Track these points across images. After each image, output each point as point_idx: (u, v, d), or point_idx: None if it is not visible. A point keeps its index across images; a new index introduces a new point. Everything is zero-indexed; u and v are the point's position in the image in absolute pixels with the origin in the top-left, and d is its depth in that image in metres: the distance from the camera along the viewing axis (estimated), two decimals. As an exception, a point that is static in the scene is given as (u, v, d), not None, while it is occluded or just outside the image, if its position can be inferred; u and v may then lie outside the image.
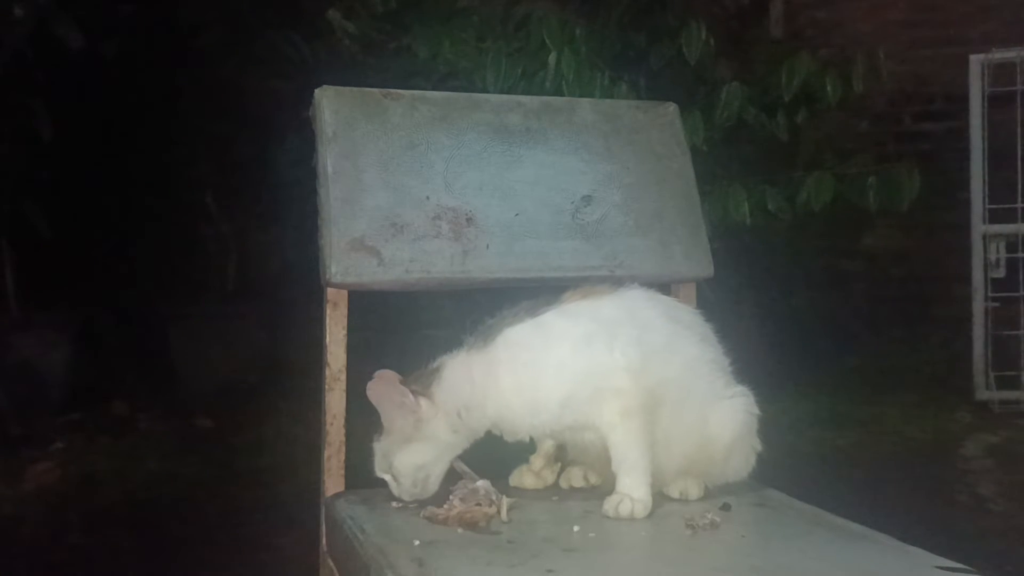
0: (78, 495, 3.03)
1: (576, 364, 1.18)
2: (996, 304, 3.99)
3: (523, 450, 1.30)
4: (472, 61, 2.89)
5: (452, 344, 1.24)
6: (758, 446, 1.28)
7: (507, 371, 1.19)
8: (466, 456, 1.24)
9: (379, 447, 1.22)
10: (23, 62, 3.64)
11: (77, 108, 3.95)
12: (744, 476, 1.29)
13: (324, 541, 1.31)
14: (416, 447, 1.20)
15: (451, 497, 1.17)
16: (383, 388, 1.19)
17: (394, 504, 1.22)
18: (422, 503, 1.19)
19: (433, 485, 1.21)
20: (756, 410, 1.27)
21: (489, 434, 1.23)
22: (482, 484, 1.18)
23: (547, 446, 1.30)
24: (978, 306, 4.00)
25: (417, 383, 1.20)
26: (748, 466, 1.28)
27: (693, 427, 1.22)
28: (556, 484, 1.31)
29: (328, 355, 1.34)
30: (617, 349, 1.18)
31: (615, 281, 1.29)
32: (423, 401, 1.19)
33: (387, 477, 1.22)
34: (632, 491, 1.16)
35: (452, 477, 1.22)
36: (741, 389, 1.27)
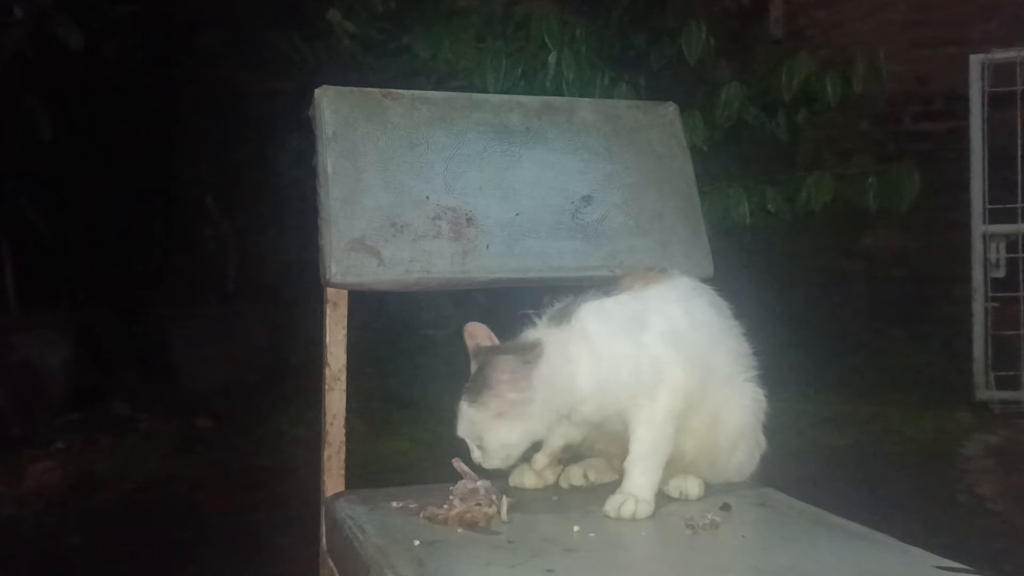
0: (78, 495, 3.03)
1: (650, 350, 1.18)
2: (996, 304, 3.99)
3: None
4: (472, 61, 2.89)
5: (519, 324, 1.23)
6: (763, 443, 1.28)
7: (596, 343, 1.18)
8: (465, 456, 1.24)
9: (469, 413, 1.19)
10: (23, 62, 3.64)
11: (77, 108, 3.95)
12: (746, 475, 1.29)
13: (324, 541, 1.31)
14: (508, 425, 1.18)
15: (451, 497, 1.17)
16: (501, 361, 1.16)
17: (394, 504, 1.22)
18: (422, 504, 1.19)
19: (515, 460, 1.22)
20: (765, 402, 1.27)
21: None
22: (482, 484, 1.18)
23: (555, 445, 1.30)
24: (978, 306, 4.00)
25: (523, 356, 1.17)
26: (752, 463, 1.29)
27: (709, 414, 1.23)
28: (556, 484, 1.31)
29: (328, 355, 1.34)
30: (683, 347, 1.19)
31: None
32: (528, 381, 1.16)
33: (470, 443, 1.20)
34: (640, 492, 1.16)
35: (453, 476, 1.22)
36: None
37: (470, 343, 1.24)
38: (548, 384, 1.17)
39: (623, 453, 1.20)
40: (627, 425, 1.20)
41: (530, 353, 1.17)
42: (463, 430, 1.20)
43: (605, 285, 1.25)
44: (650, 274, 1.27)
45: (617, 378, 1.18)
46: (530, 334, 1.21)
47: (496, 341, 1.24)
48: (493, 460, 1.20)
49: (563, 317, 1.20)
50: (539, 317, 1.23)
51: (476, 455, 1.21)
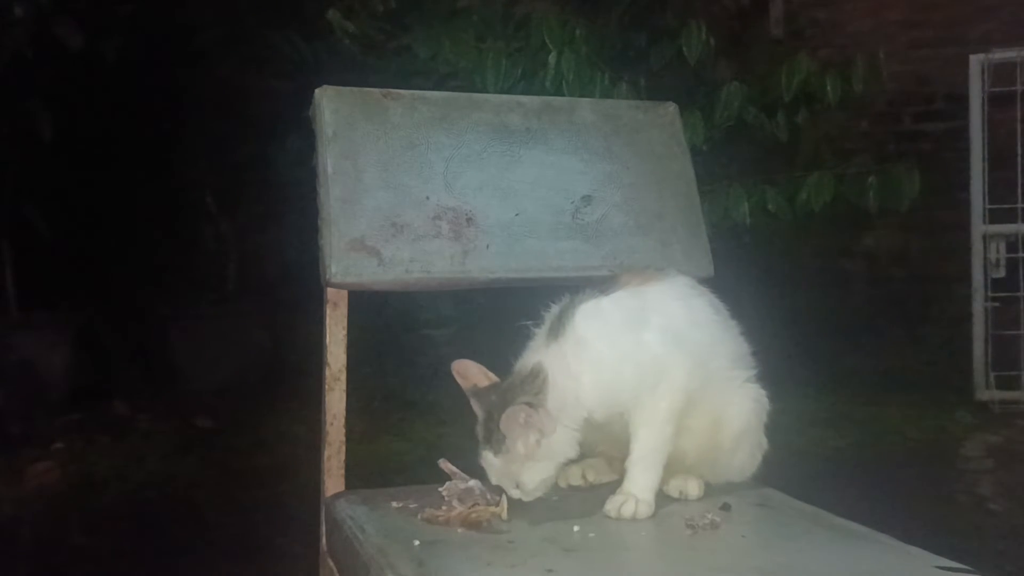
0: (78, 495, 3.03)
1: (651, 348, 1.18)
2: (996, 304, 3.99)
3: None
4: (472, 61, 2.89)
5: (521, 340, 1.20)
6: (765, 444, 1.28)
7: (595, 349, 1.16)
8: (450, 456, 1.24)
9: (498, 463, 1.16)
10: (23, 62, 3.64)
11: (77, 108, 3.95)
12: (748, 476, 1.29)
13: (324, 541, 1.31)
14: (540, 463, 1.15)
15: (447, 498, 1.17)
16: (511, 411, 1.12)
17: (394, 504, 1.22)
18: (422, 504, 1.19)
19: (552, 484, 1.19)
20: (767, 402, 1.26)
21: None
22: (475, 483, 1.18)
23: None
24: (978, 306, 4.00)
25: (529, 396, 1.14)
26: (753, 464, 1.28)
27: (711, 416, 1.23)
28: (556, 484, 1.31)
29: (328, 355, 1.34)
30: (683, 345, 1.18)
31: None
32: (547, 418, 1.12)
33: (506, 486, 1.17)
34: (640, 492, 1.16)
35: (442, 478, 1.22)
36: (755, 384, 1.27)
37: (464, 383, 1.20)
38: (561, 409, 1.14)
39: (623, 454, 1.20)
40: (628, 425, 1.19)
41: (538, 393, 1.14)
42: (496, 479, 1.17)
43: (602, 284, 1.23)
44: (648, 272, 1.27)
45: (621, 379, 1.17)
46: (529, 358, 1.18)
47: (491, 376, 1.20)
48: (533, 494, 1.17)
49: (560, 327, 1.17)
50: (537, 327, 1.21)
51: (515, 494, 1.17)
